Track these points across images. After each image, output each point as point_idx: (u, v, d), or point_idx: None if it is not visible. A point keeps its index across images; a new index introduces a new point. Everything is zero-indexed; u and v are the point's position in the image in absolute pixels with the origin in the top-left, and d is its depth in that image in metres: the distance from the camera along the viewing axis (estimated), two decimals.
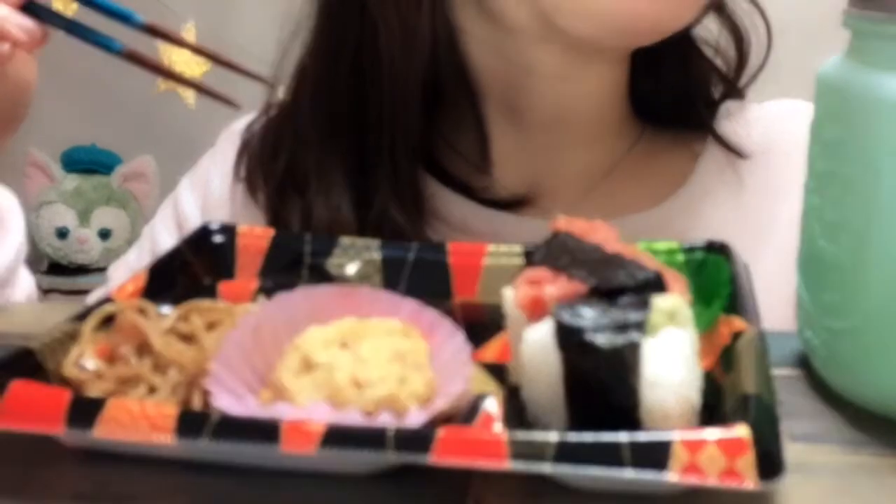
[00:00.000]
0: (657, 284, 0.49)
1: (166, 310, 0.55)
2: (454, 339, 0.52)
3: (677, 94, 0.76)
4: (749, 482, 0.40)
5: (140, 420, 0.44)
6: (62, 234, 2.32)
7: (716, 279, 0.58)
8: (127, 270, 0.87)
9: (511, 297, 0.51)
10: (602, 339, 0.45)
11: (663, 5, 0.66)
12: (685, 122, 0.77)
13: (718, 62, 0.79)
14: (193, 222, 0.85)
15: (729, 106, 0.79)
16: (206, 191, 0.88)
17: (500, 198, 0.76)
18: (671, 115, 0.77)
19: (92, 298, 0.86)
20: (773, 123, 0.79)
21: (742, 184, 0.75)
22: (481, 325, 0.57)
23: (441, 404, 0.47)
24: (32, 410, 0.45)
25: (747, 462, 0.40)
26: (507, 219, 0.75)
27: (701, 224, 0.73)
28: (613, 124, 0.77)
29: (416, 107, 0.75)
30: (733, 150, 0.76)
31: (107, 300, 0.56)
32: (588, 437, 0.42)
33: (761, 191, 0.76)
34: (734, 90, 0.79)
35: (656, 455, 0.41)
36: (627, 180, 0.77)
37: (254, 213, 0.82)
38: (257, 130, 0.84)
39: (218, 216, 0.83)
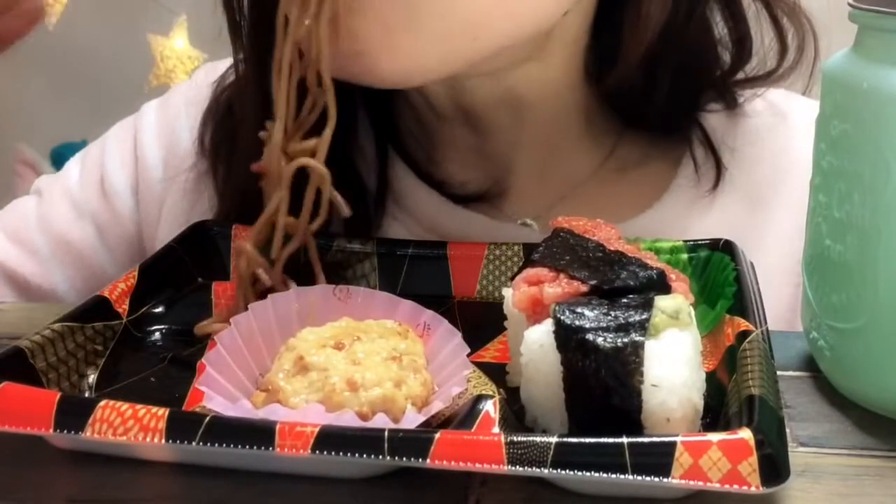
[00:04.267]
0: (660, 284, 0.48)
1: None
2: (452, 340, 0.51)
3: (669, 101, 0.74)
4: (753, 486, 0.39)
5: (130, 422, 0.43)
6: None
7: (720, 278, 0.57)
8: (65, 196, 0.81)
9: (510, 297, 0.50)
10: (603, 340, 0.44)
11: (350, 67, 0.59)
12: (669, 129, 0.75)
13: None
14: (153, 176, 0.79)
15: (716, 105, 0.77)
16: (171, 143, 0.80)
17: (466, 192, 0.73)
18: (656, 122, 0.75)
19: (20, 206, 0.82)
20: (760, 123, 0.76)
21: (727, 189, 0.74)
22: (480, 325, 0.56)
23: (438, 406, 0.47)
24: (22, 411, 0.45)
25: (751, 466, 0.39)
26: (480, 221, 0.73)
27: (687, 235, 0.71)
28: (578, 133, 0.75)
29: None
30: (717, 156, 0.74)
31: None
32: (588, 439, 0.41)
33: (748, 196, 0.73)
34: (728, 94, 0.76)
35: (658, 458, 0.40)
36: (606, 188, 0.74)
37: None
38: (229, 88, 0.76)
39: (180, 179, 0.78)
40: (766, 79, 0.74)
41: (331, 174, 0.58)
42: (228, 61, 0.76)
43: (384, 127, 0.75)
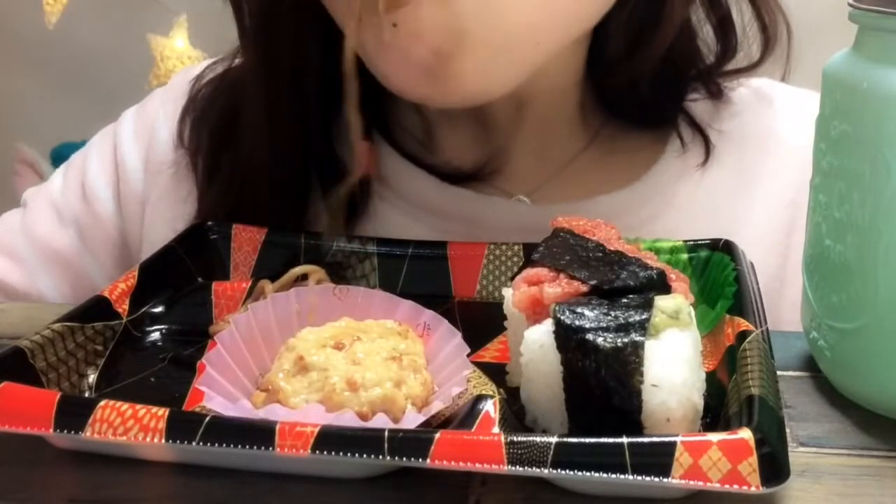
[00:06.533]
0: (660, 284, 0.48)
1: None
2: (452, 340, 0.51)
3: (655, 93, 0.74)
4: (753, 486, 0.39)
5: (130, 422, 0.43)
6: None
7: (720, 278, 0.57)
8: (48, 204, 0.82)
9: (510, 297, 0.50)
10: (603, 340, 0.44)
11: (424, 89, 0.60)
12: (655, 120, 0.76)
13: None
14: (134, 177, 0.80)
15: (701, 95, 0.78)
16: (150, 142, 0.80)
17: (458, 170, 0.74)
18: (643, 114, 0.76)
19: (6, 218, 0.83)
20: (745, 107, 0.77)
21: (715, 164, 0.74)
22: (480, 325, 0.56)
23: (438, 406, 0.47)
24: (22, 411, 0.45)
25: (751, 466, 0.39)
26: (470, 197, 0.74)
27: (673, 208, 0.72)
28: (573, 110, 0.76)
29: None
30: (704, 135, 0.75)
31: None
32: (588, 439, 0.41)
33: (735, 171, 0.74)
34: (713, 85, 0.77)
35: (658, 459, 0.40)
36: (595, 163, 0.75)
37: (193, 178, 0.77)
38: (207, 85, 0.77)
39: (162, 176, 0.78)
40: (752, 69, 0.75)
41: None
42: (204, 64, 0.78)
43: (371, 112, 0.74)
